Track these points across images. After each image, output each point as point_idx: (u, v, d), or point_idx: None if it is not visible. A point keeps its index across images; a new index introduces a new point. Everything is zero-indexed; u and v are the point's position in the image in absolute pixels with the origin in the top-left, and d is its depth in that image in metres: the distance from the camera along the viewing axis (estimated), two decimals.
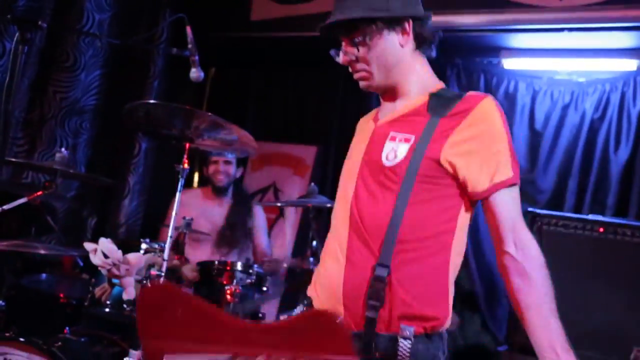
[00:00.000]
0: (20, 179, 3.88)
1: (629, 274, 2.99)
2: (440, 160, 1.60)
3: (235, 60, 5.37)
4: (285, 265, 4.07)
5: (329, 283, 1.67)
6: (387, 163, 1.65)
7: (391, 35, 1.71)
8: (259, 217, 4.20)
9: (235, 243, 4.01)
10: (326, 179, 4.86)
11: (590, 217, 3.35)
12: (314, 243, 3.26)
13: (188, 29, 2.80)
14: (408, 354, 1.51)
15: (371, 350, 1.54)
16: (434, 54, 1.82)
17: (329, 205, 3.21)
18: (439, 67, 4.92)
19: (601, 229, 3.11)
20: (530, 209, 3.48)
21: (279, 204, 3.88)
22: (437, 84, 1.80)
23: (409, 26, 1.72)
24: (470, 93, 1.71)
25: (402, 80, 1.75)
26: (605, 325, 2.98)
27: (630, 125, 4.04)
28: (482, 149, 1.59)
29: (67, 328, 3.03)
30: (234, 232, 4.00)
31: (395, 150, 1.65)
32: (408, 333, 1.52)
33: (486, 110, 1.64)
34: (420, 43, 1.76)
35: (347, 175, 1.79)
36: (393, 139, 1.68)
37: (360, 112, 5.43)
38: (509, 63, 4.38)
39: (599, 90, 4.18)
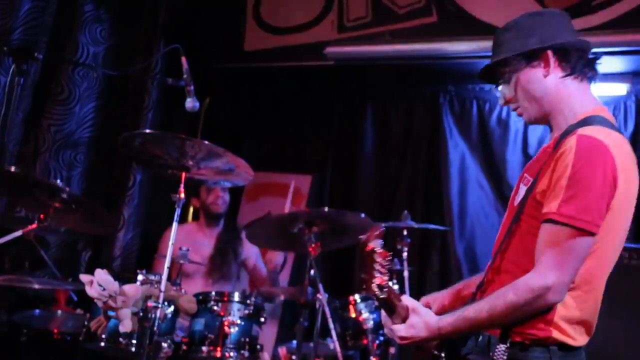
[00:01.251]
0: (14, 213, 3.84)
1: (629, 299, 2.97)
2: (536, 195, 1.71)
3: (229, 90, 5.39)
4: (281, 297, 4.03)
5: None
6: (515, 205, 1.81)
7: (530, 69, 1.81)
8: (251, 246, 4.16)
9: (226, 271, 3.97)
10: (322, 207, 4.83)
11: None
12: (312, 272, 3.23)
13: (183, 60, 2.82)
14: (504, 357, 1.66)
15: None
16: (595, 77, 1.85)
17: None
18: (431, 94, 5.01)
19: None
20: None
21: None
22: (584, 112, 1.79)
23: (551, 56, 1.79)
24: (576, 131, 1.70)
25: (553, 111, 1.82)
26: (605, 349, 2.95)
27: None
28: (551, 182, 1.67)
29: None
30: (224, 259, 3.97)
31: (520, 194, 1.80)
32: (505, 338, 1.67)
33: (565, 146, 1.67)
34: (572, 69, 1.80)
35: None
36: (523, 180, 1.82)
37: (355, 141, 5.43)
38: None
39: None
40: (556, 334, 1.66)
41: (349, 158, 4.98)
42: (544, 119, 1.85)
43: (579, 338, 1.71)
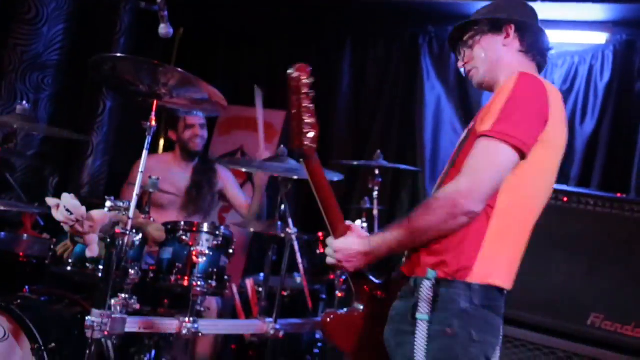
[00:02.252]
0: None
1: (590, 243, 3.05)
2: (475, 131, 1.81)
3: (204, 20, 5.24)
4: (250, 229, 4.05)
5: None
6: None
7: (492, 35, 2.00)
8: (226, 174, 4.15)
9: (201, 204, 3.96)
10: None
11: (555, 186, 3.39)
12: (283, 207, 3.24)
13: None
14: (429, 294, 1.72)
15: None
16: (544, 66, 2.06)
17: (296, 174, 3.17)
18: (411, 35, 4.95)
19: (565, 198, 3.15)
20: None
21: (244, 170, 3.84)
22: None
23: (510, 29, 1.98)
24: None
25: (501, 77, 1.97)
26: (564, 292, 3.05)
27: (596, 98, 4.10)
28: (487, 112, 1.80)
29: (27, 287, 2.97)
30: (200, 192, 3.95)
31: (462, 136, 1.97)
32: (431, 276, 1.73)
33: (505, 83, 1.84)
34: (528, 48, 2.00)
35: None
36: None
37: (332, 79, 5.37)
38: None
39: (567, 62, 4.22)
40: (478, 271, 1.73)
41: (324, 95, 4.92)
42: (490, 84, 2.01)
43: (502, 279, 1.79)
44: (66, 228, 2.30)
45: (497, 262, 1.77)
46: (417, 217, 1.76)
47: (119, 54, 3.36)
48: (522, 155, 1.74)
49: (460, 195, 1.69)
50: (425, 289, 1.73)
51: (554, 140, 1.83)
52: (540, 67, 2.04)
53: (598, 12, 3.93)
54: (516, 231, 1.82)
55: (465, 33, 2.04)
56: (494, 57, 2.00)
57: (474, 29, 2.02)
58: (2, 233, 3.33)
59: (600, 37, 4.09)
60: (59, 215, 2.23)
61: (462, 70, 2.10)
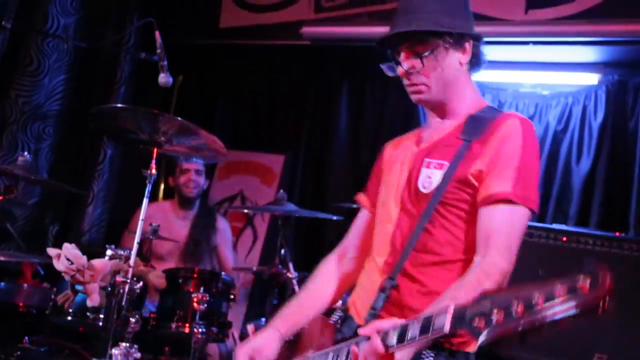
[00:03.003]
0: None
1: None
2: (468, 178, 1.63)
3: (202, 67, 5.33)
4: (251, 274, 4.04)
5: (366, 294, 1.73)
6: (423, 190, 1.69)
7: (454, 52, 1.75)
8: (224, 231, 4.15)
9: (199, 258, 3.96)
10: (294, 187, 4.84)
11: (554, 226, 3.41)
12: (282, 251, 3.24)
13: (157, 34, 2.79)
14: None
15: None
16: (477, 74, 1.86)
17: (297, 214, 3.19)
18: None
19: (564, 238, 3.16)
20: None
21: (246, 211, 3.86)
22: (480, 102, 1.82)
23: (469, 45, 1.76)
24: (502, 114, 1.74)
25: (455, 99, 1.78)
26: (568, 332, 3.02)
27: (591, 137, 4.14)
28: (494, 164, 1.62)
29: (27, 338, 2.95)
30: (198, 248, 3.95)
31: (430, 177, 1.69)
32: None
33: (508, 129, 1.66)
34: (474, 64, 1.80)
35: (390, 198, 1.80)
36: (428, 165, 1.71)
37: (330, 122, 5.42)
38: (475, 75, 4.44)
39: (562, 103, 4.28)
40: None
41: (322, 139, 4.97)
42: (437, 106, 1.80)
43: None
44: (67, 278, 2.30)
45: None
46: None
47: (119, 105, 3.42)
48: (536, 213, 1.66)
49: (505, 276, 1.56)
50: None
51: None
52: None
53: (590, 54, 4.01)
54: None
55: (419, 41, 1.73)
56: (451, 77, 1.76)
57: (436, 40, 1.72)
58: (2, 283, 3.32)
59: (592, 78, 4.15)
60: (60, 265, 2.24)
61: (403, 79, 1.80)
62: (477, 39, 1.78)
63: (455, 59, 1.75)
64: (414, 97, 1.80)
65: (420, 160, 1.74)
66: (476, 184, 1.63)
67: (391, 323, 1.34)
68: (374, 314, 1.63)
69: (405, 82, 1.79)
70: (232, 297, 3.09)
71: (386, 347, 1.31)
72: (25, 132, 4.04)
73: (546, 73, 4.25)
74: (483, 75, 4.80)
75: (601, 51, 3.97)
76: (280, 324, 1.82)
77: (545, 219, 4.07)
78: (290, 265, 3.17)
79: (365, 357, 1.35)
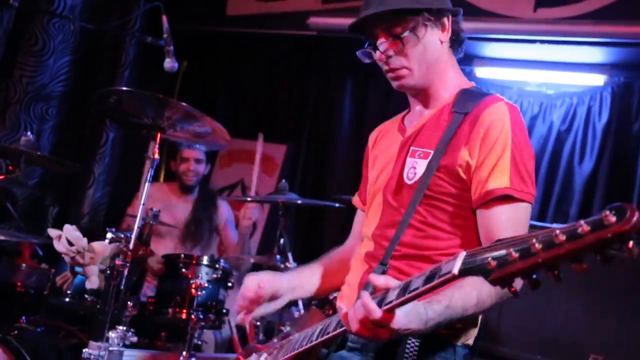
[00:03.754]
0: None
1: (589, 283, 3.05)
2: (456, 170, 1.54)
3: (208, 54, 5.32)
4: (249, 263, 4.04)
5: (352, 284, 1.69)
6: (407, 181, 1.61)
7: (434, 29, 1.63)
8: (226, 211, 4.16)
9: (199, 239, 3.96)
10: (295, 177, 4.84)
11: (554, 226, 3.41)
12: (282, 240, 3.24)
13: (164, 18, 2.77)
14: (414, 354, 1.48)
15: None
16: (461, 55, 1.73)
17: (299, 202, 3.19)
18: None
19: (555, 272, 3.15)
20: None
21: (249, 199, 3.85)
22: (464, 83, 1.70)
23: (448, 22, 1.64)
24: (489, 96, 1.61)
25: (438, 81, 1.67)
26: (563, 332, 3.03)
27: (595, 138, 4.13)
28: (485, 155, 1.51)
29: (24, 317, 2.95)
30: (199, 228, 3.95)
31: (415, 168, 1.60)
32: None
33: (495, 119, 1.54)
34: (454, 41, 1.68)
35: (376, 188, 1.73)
36: (413, 154, 1.62)
37: (332, 114, 5.41)
38: (481, 72, 4.44)
39: (566, 102, 4.27)
40: (460, 334, 1.54)
41: (325, 130, 4.97)
42: (422, 90, 1.68)
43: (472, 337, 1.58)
44: (67, 259, 2.30)
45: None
46: (490, 303, 1.42)
47: (125, 88, 3.40)
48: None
49: None
50: (411, 349, 1.46)
51: None
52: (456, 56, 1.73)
53: (596, 55, 4.00)
54: None
55: (395, 22, 1.61)
56: (433, 58, 1.63)
57: (415, 18, 1.60)
58: (0, 262, 3.33)
59: (598, 79, 4.15)
60: (60, 246, 2.24)
61: (381, 65, 1.67)
62: (456, 14, 1.67)
63: (435, 37, 1.63)
64: (395, 84, 1.67)
65: (407, 149, 1.65)
66: (464, 176, 1.54)
67: (390, 284, 1.28)
68: None
69: (385, 67, 1.67)
70: (230, 284, 3.09)
71: (382, 305, 1.24)
72: (28, 112, 4.02)
73: (552, 72, 4.24)
74: (489, 72, 4.82)
75: (608, 52, 3.96)
76: (288, 275, 1.85)
77: (546, 219, 4.08)
78: (289, 255, 3.17)
79: (361, 320, 1.27)
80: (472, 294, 1.38)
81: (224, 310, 3.03)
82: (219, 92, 5.37)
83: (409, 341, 1.46)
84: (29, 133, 3.06)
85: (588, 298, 3.01)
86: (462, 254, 1.12)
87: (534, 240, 0.99)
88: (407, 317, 1.29)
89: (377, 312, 1.24)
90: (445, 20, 1.64)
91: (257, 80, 5.29)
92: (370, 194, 1.76)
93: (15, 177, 3.09)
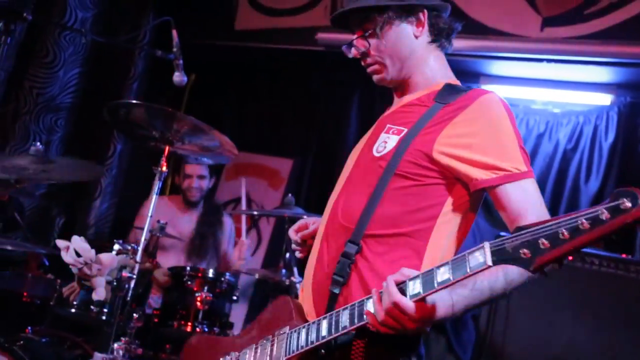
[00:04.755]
0: None
1: (595, 302, 3.04)
2: (432, 154, 1.51)
3: (215, 67, 5.35)
4: (255, 276, 4.05)
5: (308, 268, 1.67)
6: (376, 154, 1.61)
7: (404, 25, 1.67)
8: (228, 227, 4.18)
9: (204, 253, 3.98)
10: (301, 192, 4.85)
11: None
12: (287, 255, 3.25)
13: (174, 33, 2.80)
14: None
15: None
16: (449, 48, 1.74)
17: (305, 216, 3.18)
18: None
19: (570, 257, 3.15)
20: (502, 233, 3.52)
21: (255, 213, 3.87)
22: (449, 79, 1.70)
23: (423, 16, 1.67)
24: (476, 88, 1.64)
25: (416, 71, 1.69)
26: (568, 352, 3.02)
27: (601, 157, 4.14)
28: (485, 141, 1.49)
29: (30, 327, 2.96)
30: (204, 243, 3.97)
31: (386, 142, 1.60)
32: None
33: (487, 104, 1.54)
34: (436, 35, 1.69)
35: (345, 167, 1.76)
36: (388, 130, 1.63)
37: (339, 129, 5.40)
38: (488, 89, 4.44)
39: (572, 121, 4.28)
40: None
41: (331, 145, 4.98)
42: (400, 83, 1.73)
43: None
44: (74, 270, 2.31)
45: None
46: (516, 282, 1.39)
47: (135, 101, 3.43)
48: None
49: None
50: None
51: None
52: (446, 50, 1.74)
53: (603, 74, 4.01)
54: None
55: (365, 19, 1.68)
56: (406, 52, 1.67)
57: (380, 15, 1.65)
58: (7, 272, 3.34)
59: (605, 99, 4.16)
60: (68, 257, 2.25)
61: (361, 62, 1.74)
62: (435, 9, 1.69)
63: (407, 31, 1.67)
64: (374, 79, 1.74)
65: (383, 125, 1.67)
66: (443, 159, 1.50)
67: (405, 275, 1.29)
68: (341, 282, 1.51)
69: (362, 63, 1.74)
70: (234, 298, 3.09)
71: (410, 297, 1.25)
72: (37, 123, 4.06)
73: (559, 91, 4.26)
74: (495, 90, 4.81)
75: (615, 72, 3.97)
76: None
77: None
78: (295, 270, 3.17)
79: (388, 311, 1.27)
80: (499, 273, 1.37)
81: (229, 323, 3.03)
82: (226, 105, 5.40)
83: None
84: (38, 143, 3.07)
85: (593, 318, 3.00)
86: (486, 245, 1.17)
87: (563, 229, 1.07)
88: (434, 305, 1.30)
89: (409, 304, 1.26)
90: (420, 15, 1.67)
91: (264, 94, 5.32)
92: (345, 167, 1.76)
93: (23, 188, 3.10)
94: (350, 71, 5.12)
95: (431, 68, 1.70)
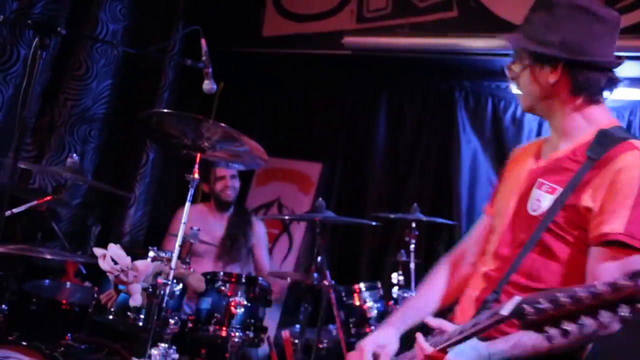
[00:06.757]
0: (27, 184, 3.89)
1: None
2: (579, 210, 1.58)
3: (244, 74, 5.40)
4: (287, 280, 4.07)
5: (470, 299, 1.75)
6: (532, 213, 1.67)
7: (543, 70, 1.70)
8: (260, 231, 4.21)
9: (236, 255, 4.02)
10: (331, 196, 4.86)
11: None
12: (319, 258, 3.26)
13: (203, 42, 2.83)
14: None
15: None
16: (604, 98, 1.73)
17: (335, 220, 3.20)
18: (446, 89, 5.01)
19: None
20: None
21: (286, 217, 3.89)
22: (603, 123, 1.70)
23: (559, 68, 1.67)
24: (624, 143, 1.61)
25: (556, 116, 1.74)
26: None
27: None
28: (607, 201, 1.54)
29: (69, 334, 3.03)
30: (235, 243, 4.02)
31: (540, 201, 1.66)
32: None
33: (625, 163, 1.56)
34: (580, 89, 1.68)
35: (501, 210, 1.82)
36: (540, 186, 1.68)
37: (368, 131, 5.41)
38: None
39: None
40: None
41: (360, 148, 4.99)
42: (539, 115, 1.83)
43: None
44: (111, 277, 2.36)
45: None
46: (569, 343, 1.43)
47: (165, 110, 3.49)
48: None
49: None
50: None
51: None
52: (604, 98, 1.72)
53: (636, 69, 3.94)
54: None
55: (519, 52, 1.76)
56: (542, 94, 1.72)
57: (526, 56, 1.73)
58: (47, 280, 3.42)
59: (637, 94, 4.09)
60: (105, 265, 2.30)
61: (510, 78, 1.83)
62: (576, 64, 1.66)
63: (543, 76, 1.70)
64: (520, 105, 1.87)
65: (534, 179, 1.71)
66: (586, 219, 1.58)
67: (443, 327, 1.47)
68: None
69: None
70: (268, 302, 3.12)
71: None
72: (72, 134, 4.15)
73: None
74: None
75: None
76: (398, 322, 1.86)
77: None
78: (327, 273, 3.18)
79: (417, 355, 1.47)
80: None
81: (263, 328, 3.06)
82: (255, 111, 5.44)
83: None
84: (74, 155, 3.15)
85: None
86: (517, 299, 1.20)
87: (561, 295, 1.12)
88: (460, 355, 1.43)
89: (427, 349, 1.46)
90: (558, 66, 1.67)
91: (293, 99, 5.35)
92: (496, 211, 1.85)
93: (60, 198, 3.18)
94: (378, 74, 5.16)
95: (579, 119, 1.71)
